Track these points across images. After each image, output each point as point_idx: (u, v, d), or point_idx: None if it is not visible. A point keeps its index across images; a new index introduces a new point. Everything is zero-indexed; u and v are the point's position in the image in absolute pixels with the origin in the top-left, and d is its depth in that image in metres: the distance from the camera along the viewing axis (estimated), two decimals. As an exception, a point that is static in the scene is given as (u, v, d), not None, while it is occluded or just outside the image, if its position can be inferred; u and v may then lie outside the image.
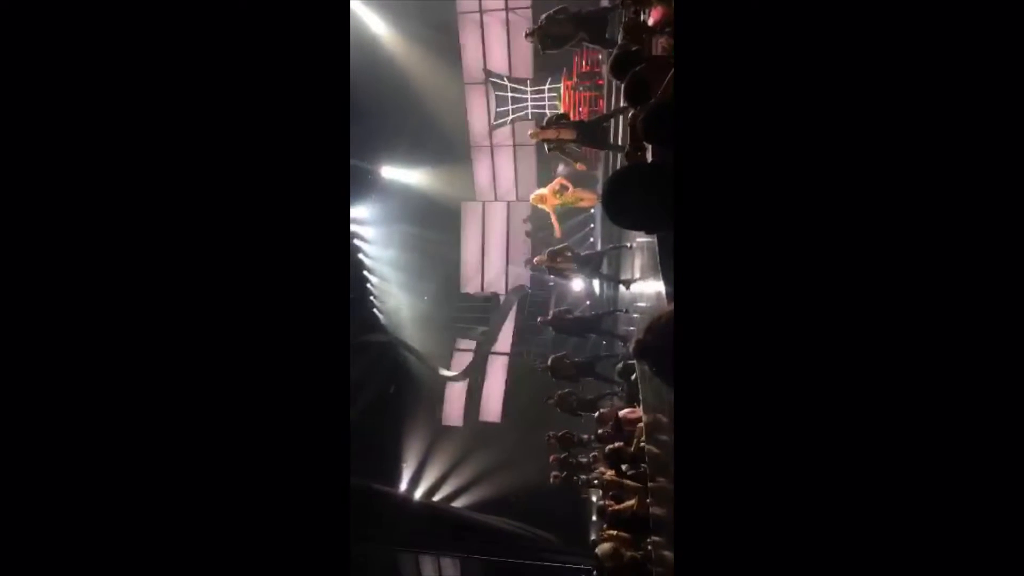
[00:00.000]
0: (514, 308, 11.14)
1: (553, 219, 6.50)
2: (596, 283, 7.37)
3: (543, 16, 4.84)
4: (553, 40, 4.96)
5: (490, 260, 11.30)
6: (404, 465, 10.78)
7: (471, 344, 11.17)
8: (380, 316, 10.91)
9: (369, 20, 9.03)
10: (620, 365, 5.35)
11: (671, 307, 1.06)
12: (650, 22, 2.11)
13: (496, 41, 9.54)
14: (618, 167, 5.72)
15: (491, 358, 11.12)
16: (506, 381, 11.00)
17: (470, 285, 11.46)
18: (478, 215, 11.10)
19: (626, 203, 1.34)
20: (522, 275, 11.00)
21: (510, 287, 11.23)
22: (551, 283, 8.49)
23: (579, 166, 5.54)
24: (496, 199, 10.93)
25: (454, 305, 11.32)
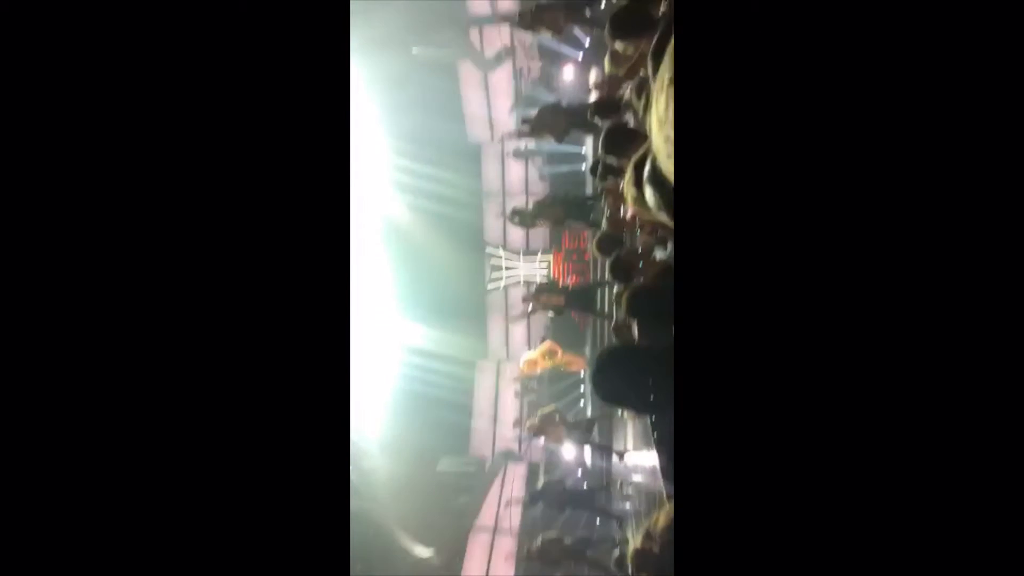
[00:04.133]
0: (501, 476, 10.39)
1: (523, 368, 6.42)
2: (588, 451, 7.01)
3: (534, 201, 5.45)
4: (541, 220, 5.50)
5: (476, 422, 10.88)
6: None
7: (452, 515, 10.14)
8: (352, 477, 10.05)
9: (382, 195, 10.09)
10: (616, 552, 4.81)
11: (669, 506, 0.97)
12: (628, 215, 2.35)
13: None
14: (606, 331, 5.85)
15: (473, 533, 10.00)
16: (489, 563, 9.74)
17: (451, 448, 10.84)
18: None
19: (616, 383, 1.33)
20: (510, 438, 10.50)
21: (496, 451, 10.62)
22: (541, 449, 8.07)
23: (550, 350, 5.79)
24: (486, 358, 10.95)
25: (436, 470, 10.56)
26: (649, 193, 0.90)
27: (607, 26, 2.18)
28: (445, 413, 10.64)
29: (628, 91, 2.84)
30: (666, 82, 0.71)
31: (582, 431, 6.29)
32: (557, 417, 6.06)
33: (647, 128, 0.76)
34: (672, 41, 0.70)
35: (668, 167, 0.78)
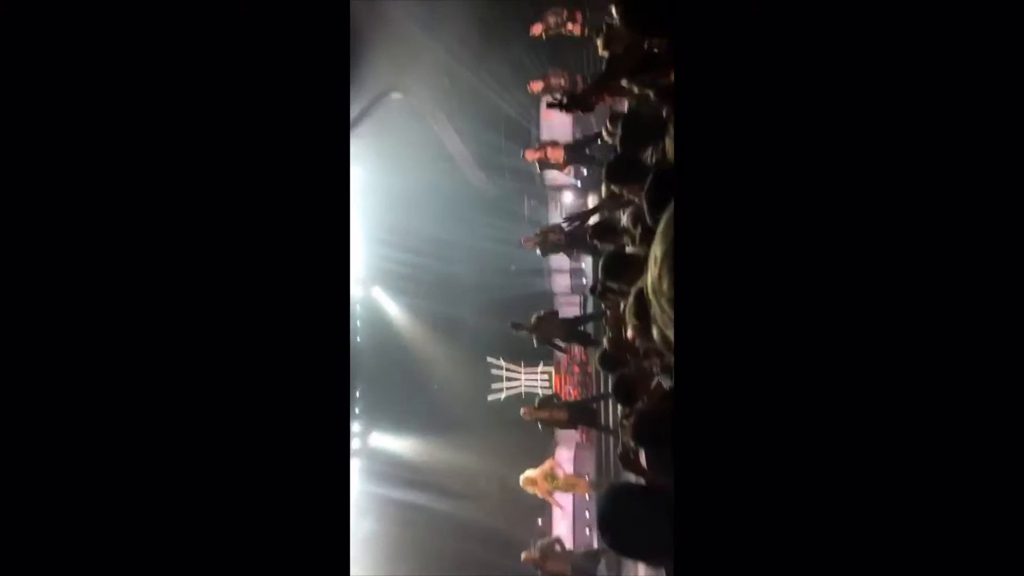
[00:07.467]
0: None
1: (552, 500, 6.04)
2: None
3: (535, 316, 5.54)
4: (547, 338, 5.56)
5: (475, 548, 9.91)
6: None
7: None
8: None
9: (382, 300, 10.30)
10: None
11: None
12: (629, 337, 2.37)
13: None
14: (612, 450, 5.56)
15: None
16: None
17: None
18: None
19: (625, 531, 1.22)
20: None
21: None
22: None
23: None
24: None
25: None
26: (656, 332, 0.91)
27: (604, 172, 2.38)
28: (444, 540, 9.77)
29: (625, 218, 3.03)
30: (659, 256, 0.75)
31: (588, 564, 5.72)
32: (559, 547, 5.54)
33: (646, 292, 0.80)
34: (664, 220, 0.76)
35: (670, 333, 0.80)
